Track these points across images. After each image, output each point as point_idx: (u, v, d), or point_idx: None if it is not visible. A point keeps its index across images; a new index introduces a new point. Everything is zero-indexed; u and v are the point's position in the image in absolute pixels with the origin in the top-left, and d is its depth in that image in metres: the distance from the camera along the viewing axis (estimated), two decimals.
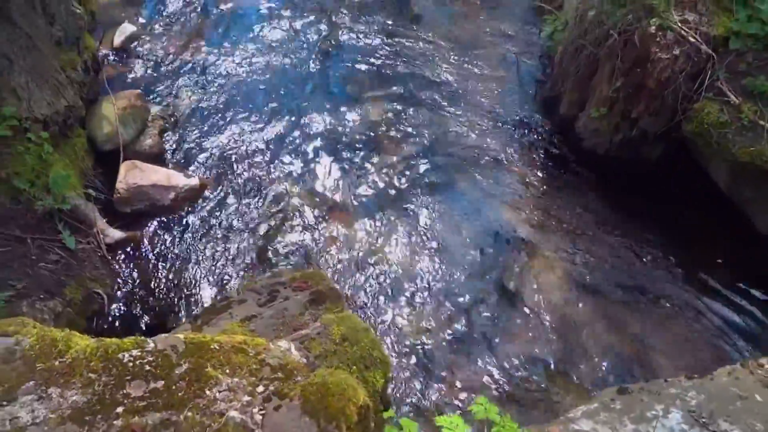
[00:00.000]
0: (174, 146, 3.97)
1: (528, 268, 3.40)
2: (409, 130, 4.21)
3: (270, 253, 3.40)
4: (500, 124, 4.29)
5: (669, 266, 3.48)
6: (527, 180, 3.93)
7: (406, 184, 3.84)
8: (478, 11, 5.37)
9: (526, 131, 4.28)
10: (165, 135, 4.01)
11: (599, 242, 3.59)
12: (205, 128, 4.08)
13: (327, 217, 3.60)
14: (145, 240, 3.43)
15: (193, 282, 3.24)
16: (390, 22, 5.15)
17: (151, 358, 1.41)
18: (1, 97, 3.05)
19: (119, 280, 3.25)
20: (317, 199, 3.70)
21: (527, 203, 3.78)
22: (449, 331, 3.08)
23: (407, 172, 3.91)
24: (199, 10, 5.07)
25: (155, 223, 3.52)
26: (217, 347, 1.49)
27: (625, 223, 3.70)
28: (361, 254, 3.42)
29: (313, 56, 4.72)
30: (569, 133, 4.21)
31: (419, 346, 3.00)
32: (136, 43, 4.68)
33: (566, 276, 3.38)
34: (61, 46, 3.52)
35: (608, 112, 3.87)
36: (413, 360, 2.95)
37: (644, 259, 3.51)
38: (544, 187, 3.90)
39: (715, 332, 3.15)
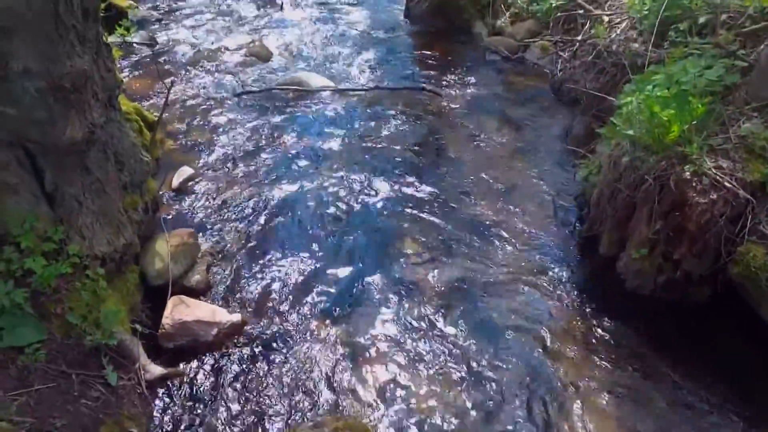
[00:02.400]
0: (220, 282, 4.09)
1: (574, 419, 3.22)
2: (448, 271, 4.24)
3: (312, 396, 3.32)
4: (539, 266, 4.30)
5: (727, 416, 3.24)
6: (570, 324, 3.84)
7: (447, 326, 3.79)
8: (512, 155, 5.64)
9: (566, 272, 4.26)
10: (212, 271, 4.16)
11: (649, 390, 3.40)
12: (251, 266, 4.21)
13: (369, 361, 3.55)
14: (184, 377, 3.42)
15: (231, 425, 3.16)
16: (426, 167, 5.44)
17: None
18: (68, 237, 3.27)
19: (156, 418, 3.21)
20: (359, 341, 3.67)
21: (571, 349, 3.65)
22: None
23: (447, 314, 3.88)
24: (252, 155, 5.48)
25: (196, 359, 3.52)
26: None
27: (675, 369, 3.52)
28: (404, 402, 3.31)
29: (359, 205, 4.94)
30: (611, 273, 4.18)
31: None
32: (192, 183, 5.04)
33: (616, 429, 3.17)
34: (126, 190, 3.80)
35: (649, 254, 3.86)
36: None
37: (699, 409, 3.29)
38: (588, 331, 3.79)
39: None
